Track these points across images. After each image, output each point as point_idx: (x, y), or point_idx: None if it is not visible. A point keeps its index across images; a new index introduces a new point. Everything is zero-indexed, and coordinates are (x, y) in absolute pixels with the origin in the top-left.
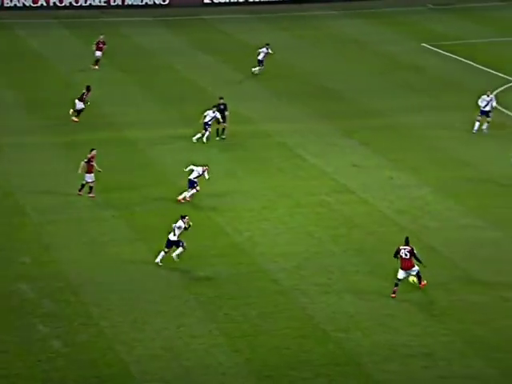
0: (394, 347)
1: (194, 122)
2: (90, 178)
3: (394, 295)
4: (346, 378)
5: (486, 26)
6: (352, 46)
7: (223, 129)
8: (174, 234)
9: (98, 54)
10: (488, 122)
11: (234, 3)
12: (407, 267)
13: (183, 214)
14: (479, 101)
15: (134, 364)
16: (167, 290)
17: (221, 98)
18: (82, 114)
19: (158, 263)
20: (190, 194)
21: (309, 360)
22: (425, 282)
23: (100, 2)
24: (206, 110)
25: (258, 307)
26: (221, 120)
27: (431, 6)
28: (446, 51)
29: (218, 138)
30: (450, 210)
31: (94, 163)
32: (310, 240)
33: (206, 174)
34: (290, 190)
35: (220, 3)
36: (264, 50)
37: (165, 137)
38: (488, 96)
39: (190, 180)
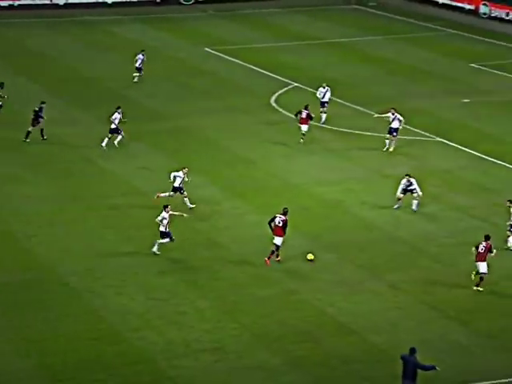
0: (187, 343)
1: None
2: None
3: (268, 260)
4: (139, 376)
5: (264, 32)
6: (139, 50)
7: (42, 129)
8: (163, 226)
9: None
10: (325, 113)
11: (15, 7)
12: (278, 234)
13: (165, 204)
14: (317, 93)
15: None
16: None
17: (42, 103)
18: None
19: (154, 252)
20: (186, 198)
21: (101, 361)
22: (279, 258)
23: None
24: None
25: (49, 311)
26: (40, 122)
27: (212, 12)
28: (228, 55)
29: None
30: (238, 208)
31: None
32: (102, 242)
33: (186, 176)
34: (81, 193)
35: (1, 7)
36: (140, 56)
37: None
38: (324, 88)
39: (174, 188)
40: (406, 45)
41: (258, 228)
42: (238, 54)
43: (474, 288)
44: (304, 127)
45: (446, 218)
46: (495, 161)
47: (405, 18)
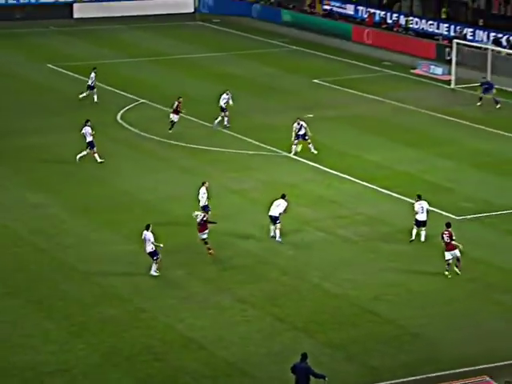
0: (33, 366)
1: None
2: None
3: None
4: None
5: (109, 48)
6: None
7: None
8: (149, 245)
9: None
10: (227, 117)
11: None
12: (201, 231)
13: (148, 223)
14: (220, 99)
15: None
16: None
17: None
18: None
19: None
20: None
21: None
22: (212, 251)
23: None
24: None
25: None
26: None
27: (53, 28)
28: (73, 72)
29: None
30: (84, 226)
31: None
32: None
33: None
34: None
35: None
36: (93, 75)
37: None
38: (227, 94)
39: (203, 207)
40: (250, 61)
41: (103, 246)
42: (82, 70)
43: (455, 269)
44: (174, 117)
45: (292, 231)
46: (339, 174)
47: (248, 35)
